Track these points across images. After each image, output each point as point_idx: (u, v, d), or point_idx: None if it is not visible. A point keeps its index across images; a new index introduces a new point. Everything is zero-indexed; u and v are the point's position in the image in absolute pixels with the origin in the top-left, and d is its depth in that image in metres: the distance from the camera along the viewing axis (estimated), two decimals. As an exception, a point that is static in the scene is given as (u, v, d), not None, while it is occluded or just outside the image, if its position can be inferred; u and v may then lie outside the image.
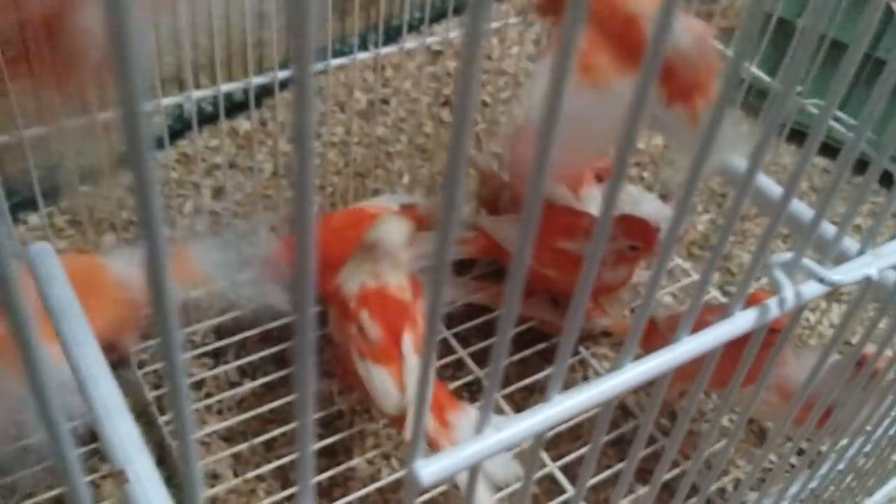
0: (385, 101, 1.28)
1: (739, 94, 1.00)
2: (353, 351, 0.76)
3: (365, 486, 0.84)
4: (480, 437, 0.27)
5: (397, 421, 0.75)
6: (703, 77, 0.76)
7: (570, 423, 0.85)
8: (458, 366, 0.94)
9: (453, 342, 0.94)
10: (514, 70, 1.37)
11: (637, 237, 0.86)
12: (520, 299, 0.24)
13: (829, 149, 1.19)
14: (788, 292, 0.32)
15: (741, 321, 0.32)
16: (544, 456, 0.86)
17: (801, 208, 0.57)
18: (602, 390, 0.29)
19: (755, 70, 0.97)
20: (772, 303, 0.32)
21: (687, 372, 0.66)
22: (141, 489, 0.50)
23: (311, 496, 0.24)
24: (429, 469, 0.27)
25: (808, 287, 0.33)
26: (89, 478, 0.82)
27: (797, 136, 1.19)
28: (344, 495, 0.83)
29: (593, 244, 0.24)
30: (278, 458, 0.84)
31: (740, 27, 0.96)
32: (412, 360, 0.74)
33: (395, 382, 0.74)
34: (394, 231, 0.79)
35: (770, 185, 0.63)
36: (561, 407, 0.29)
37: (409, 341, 0.75)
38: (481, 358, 0.94)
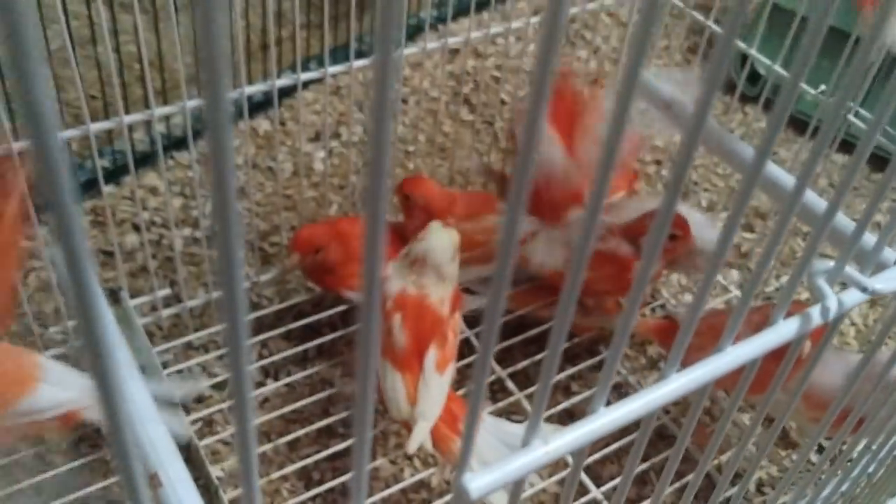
0: (404, 101, 1.28)
1: (758, 90, 1.00)
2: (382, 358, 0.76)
3: (388, 486, 0.84)
4: (527, 449, 0.27)
5: (404, 425, 0.76)
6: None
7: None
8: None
9: (474, 341, 0.94)
10: (531, 68, 1.37)
11: (675, 226, 0.87)
12: (572, 316, 0.24)
13: (853, 147, 1.19)
14: (832, 301, 0.31)
15: (784, 330, 0.32)
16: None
17: (840, 218, 0.57)
18: (647, 401, 0.29)
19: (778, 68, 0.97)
20: (814, 311, 0.32)
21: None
22: (174, 492, 0.51)
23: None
24: (477, 483, 0.27)
25: (850, 295, 0.33)
26: (116, 478, 0.82)
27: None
28: (368, 495, 0.83)
29: (651, 240, 0.24)
30: (302, 458, 0.85)
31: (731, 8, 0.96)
32: (431, 377, 0.75)
33: (406, 392, 0.74)
34: (443, 244, 0.78)
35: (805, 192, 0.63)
36: (606, 419, 0.29)
37: (432, 357, 0.75)
38: (500, 357, 0.94)
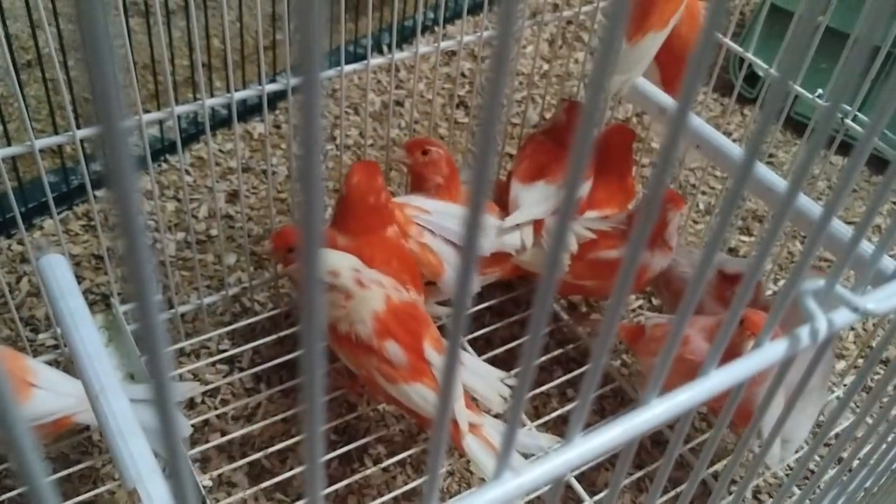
0: (399, 103, 1.27)
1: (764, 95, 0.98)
2: (380, 379, 0.75)
3: (380, 494, 0.83)
4: (498, 482, 0.26)
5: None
6: None
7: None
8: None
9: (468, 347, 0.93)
10: (528, 70, 1.36)
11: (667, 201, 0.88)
12: (544, 326, 0.23)
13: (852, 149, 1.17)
14: (821, 323, 0.31)
15: (771, 352, 0.31)
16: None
17: (836, 224, 0.56)
18: (625, 429, 0.28)
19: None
20: (803, 332, 0.31)
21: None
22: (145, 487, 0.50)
23: None
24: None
25: (841, 315, 0.32)
26: (106, 486, 0.82)
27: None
28: (360, 503, 0.83)
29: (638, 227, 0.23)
30: (293, 467, 0.84)
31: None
32: (440, 363, 0.75)
33: (430, 391, 0.74)
34: (342, 256, 0.77)
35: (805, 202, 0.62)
36: (583, 448, 0.28)
37: (429, 347, 0.75)
38: (496, 362, 0.93)
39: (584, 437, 0.27)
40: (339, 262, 0.76)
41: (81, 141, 0.76)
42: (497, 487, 0.25)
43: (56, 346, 0.90)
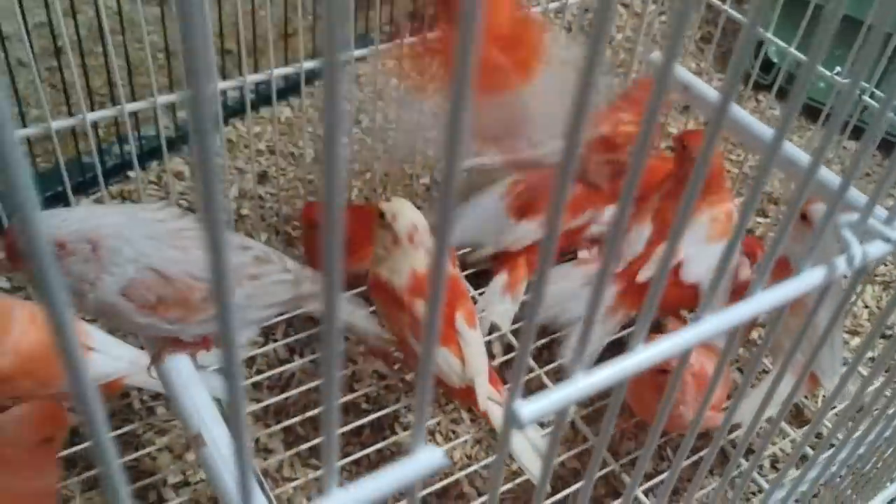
0: (423, 89, 1.30)
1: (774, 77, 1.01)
2: (410, 337, 0.78)
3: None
4: (572, 381, 0.29)
5: (461, 393, 0.78)
6: None
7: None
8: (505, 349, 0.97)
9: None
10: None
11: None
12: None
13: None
14: (856, 250, 0.33)
15: (810, 278, 0.34)
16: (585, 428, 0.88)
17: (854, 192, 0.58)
18: (680, 341, 0.31)
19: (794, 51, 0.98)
20: (839, 261, 0.34)
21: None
22: (217, 451, 0.53)
23: (336, 476, 0.27)
24: (528, 408, 0.29)
25: (875, 246, 0.34)
26: (147, 450, 0.85)
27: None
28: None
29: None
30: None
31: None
32: (469, 335, 0.78)
33: (456, 359, 0.77)
34: (417, 213, 0.80)
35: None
36: (643, 356, 0.31)
37: (461, 318, 0.78)
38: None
39: (645, 346, 0.30)
40: (405, 210, 0.79)
41: (135, 113, 0.79)
42: (571, 385, 0.28)
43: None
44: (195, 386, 0.56)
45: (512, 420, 0.28)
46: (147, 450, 0.85)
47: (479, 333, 0.80)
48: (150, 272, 0.61)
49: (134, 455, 0.84)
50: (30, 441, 0.67)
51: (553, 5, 1.08)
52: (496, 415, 0.78)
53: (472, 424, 0.92)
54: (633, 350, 0.31)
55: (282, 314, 0.95)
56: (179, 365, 0.58)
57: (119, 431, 0.85)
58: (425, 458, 0.28)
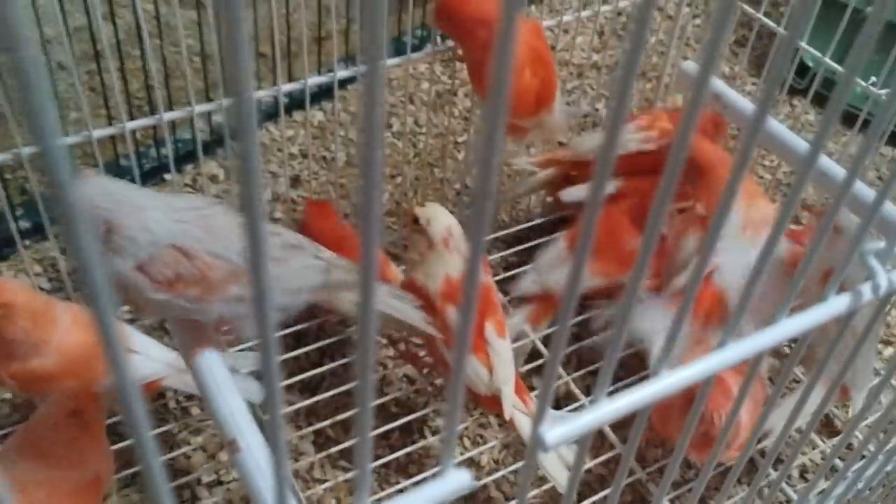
0: (454, 93, 1.30)
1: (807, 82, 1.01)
2: (440, 342, 0.79)
3: (439, 463, 0.87)
4: (597, 406, 0.30)
5: (487, 401, 0.79)
6: None
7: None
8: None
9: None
10: (578, 61, 1.38)
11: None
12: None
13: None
14: (882, 279, 0.34)
15: (836, 305, 0.34)
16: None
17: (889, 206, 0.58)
18: (704, 368, 0.32)
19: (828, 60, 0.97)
20: (865, 288, 0.34)
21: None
22: (252, 457, 0.55)
23: (368, 482, 0.28)
24: (553, 433, 0.29)
25: (900, 274, 0.35)
26: (182, 450, 0.87)
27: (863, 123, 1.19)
28: (420, 472, 0.87)
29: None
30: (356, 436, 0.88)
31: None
32: (498, 345, 0.78)
33: (483, 367, 0.78)
34: (451, 217, 0.82)
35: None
36: (667, 382, 0.31)
37: (491, 328, 0.78)
38: (547, 341, 0.97)
39: (669, 372, 0.31)
40: (439, 215, 0.81)
41: (172, 122, 0.81)
42: (597, 410, 0.29)
43: (134, 319, 0.95)
44: (229, 391, 0.57)
45: (538, 444, 0.29)
46: (182, 449, 0.87)
47: (508, 343, 0.81)
48: (170, 249, 0.61)
49: (169, 455, 0.86)
50: (58, 418, 0.69)
51: (585, 13, 1.08)
52: (522, 424, 0.78)
53: (499, 429, 0.93)
54: (657, 376, 0.32)
55: (313, 319, 0.97)
56: (214, 369, 0.59)
57: (155, 431, 0.87)
58: (454, 480, 0.29)
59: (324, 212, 0.97)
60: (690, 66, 0.94)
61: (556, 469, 0.77)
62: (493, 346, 0.79)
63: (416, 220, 0.81)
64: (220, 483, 0.87)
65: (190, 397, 0.91)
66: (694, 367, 0.32)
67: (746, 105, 0.87)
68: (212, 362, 0.59)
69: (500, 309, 0.82)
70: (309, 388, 0.94)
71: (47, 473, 0.68)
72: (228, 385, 0.57)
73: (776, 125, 0.86)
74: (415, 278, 0.81)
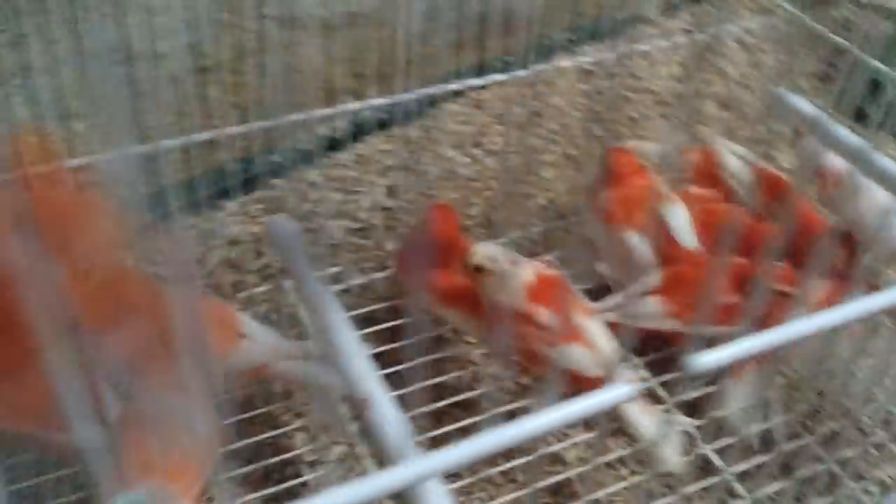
0: (538, 115, 1.37)
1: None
2: (540, 345, 0.84)
3: (528, 454, 0.92)
4: (745, 340, 0.35)
5: (598, 384, 0.84)
6: None
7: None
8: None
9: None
10: (661, 90, 1.44)
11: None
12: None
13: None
14: None
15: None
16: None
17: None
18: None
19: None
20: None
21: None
22: (382, 414, 0.60)
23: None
24: (702, 359, 0.34)
25: None
26: (282, 430, 0.93)
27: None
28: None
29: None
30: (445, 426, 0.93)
31: None
32: (590, 326, 0.84)
33: (588, 351, 0.83)
34: (496, 246, 0.89)
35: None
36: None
37: (578, 315, 0.85)
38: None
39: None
40: (488, 249, 0.87)
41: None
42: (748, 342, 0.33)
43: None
44: (360, 355, 0.63)
45: (688, 369, 0.34)
46: (282, 430, 0.93)
47: (600, 322, 0.86)
48: None
49: (271, 433, 0.92)
50: None
51: (664, 43, 1.13)
52: (631, 410, 0.83)
53: (584, 429, 0.97)
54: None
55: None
56: (346, 337, 0.65)
57: (257, 411, 0.94)
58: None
59: (447, 215, 1.02)
60: (783, 93, 0.96)
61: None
62: (586, 328, 0.84)
63: (478, 269, 0.86)
64: (320, 463, 0.92)
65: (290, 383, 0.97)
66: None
67: (849, 137, 0.85)
68: (341, 323, 0.65)
69: (577, 295, 0.88)
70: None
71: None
72: (356, 347, 0.63)
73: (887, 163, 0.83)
74: (498, 307, 0.86)
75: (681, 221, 1.02)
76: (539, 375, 0.92)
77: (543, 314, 0.84)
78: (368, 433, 0.60)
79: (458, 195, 1.23)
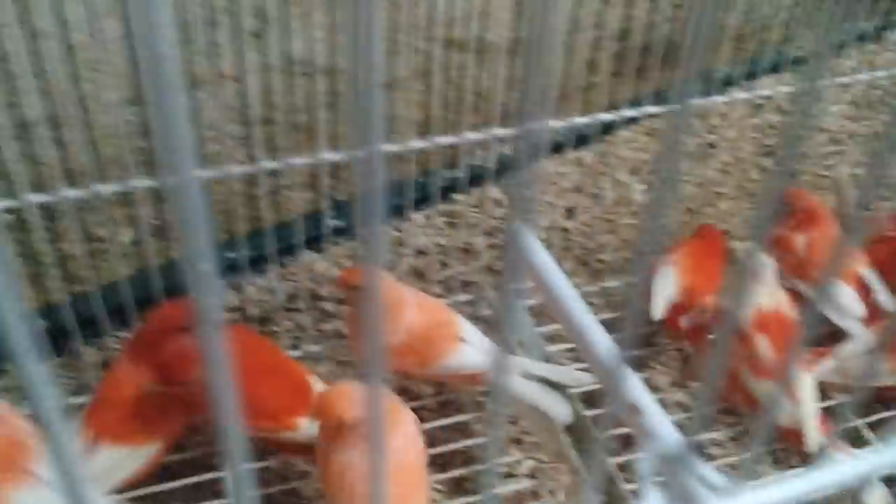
0: (712, 146, 1.36)
1: None
2: (746, 372, 0.84)
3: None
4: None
5: (788, 433, 0.82)
6: None
7: None
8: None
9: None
10: (835, 128, 1.42)
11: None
12: None
13: None
14: None
15: None
16: None
17: None
18: None
19: None
20: None
21: None
22: (651, 420, 0.60)
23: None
24: None
25: None
26: (477, 440, 0.93)
27: None
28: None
29: None
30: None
31: None
32: (803, 378, 0.82)
33: (787, 397, 0.81)
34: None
35: None
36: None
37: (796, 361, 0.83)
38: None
39: None
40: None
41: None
42: None
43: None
44: (622, 368, 0.63)
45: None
46: (476, 440, 0.94)
47: (811, 378, 0.84)
48: None
49: (472, 441, 0.92)
50: None
51: (839, 80, 1.12)
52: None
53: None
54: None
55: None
56: (603, 343, 0.65)
57: (451, 420, 0.95)
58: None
59: (715, 237, 1.03)
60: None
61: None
62: (800, 379, 0.82)
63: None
64: (511, 475, 0.93)
65: (485, 392, 0.98)
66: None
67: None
68: (595, 332, 0.66)
69: (801, 345, 0.85)
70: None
71: None
72: (619, 359, 0.63)
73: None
74: (724, 304, 0.86)
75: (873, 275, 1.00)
76: (737, 404, 0.91)
77: (762, 343, 0.83)
78: (638, 440, 0.60)
79: (633, 220, 1.23)
